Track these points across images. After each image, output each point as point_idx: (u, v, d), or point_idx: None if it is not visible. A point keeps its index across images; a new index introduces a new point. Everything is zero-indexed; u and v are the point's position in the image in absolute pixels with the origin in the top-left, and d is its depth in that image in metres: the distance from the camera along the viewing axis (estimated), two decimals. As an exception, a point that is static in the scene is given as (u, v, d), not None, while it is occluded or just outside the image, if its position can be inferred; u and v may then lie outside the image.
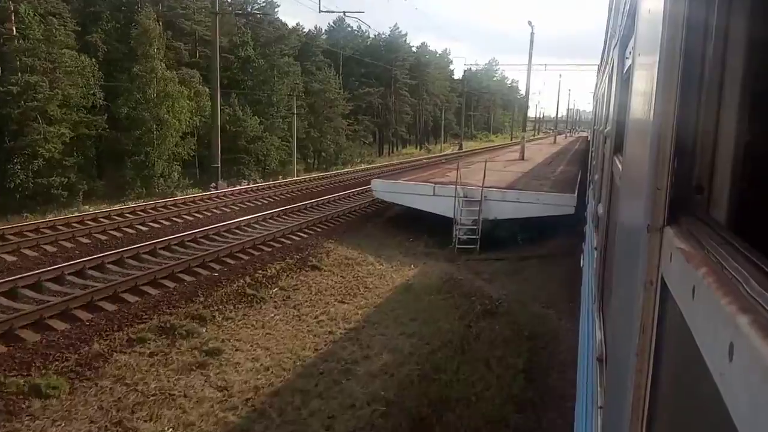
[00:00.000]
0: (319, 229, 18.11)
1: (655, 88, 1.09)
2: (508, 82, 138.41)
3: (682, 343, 0.81)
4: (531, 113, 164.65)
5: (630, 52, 2.23)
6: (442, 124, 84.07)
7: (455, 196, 16.83)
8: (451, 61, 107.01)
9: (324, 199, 23.35)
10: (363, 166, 48.88)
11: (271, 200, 23.42)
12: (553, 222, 16.31)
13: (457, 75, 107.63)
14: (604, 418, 1.93)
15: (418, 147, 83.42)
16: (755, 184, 0.84)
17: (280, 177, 39.60)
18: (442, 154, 63.05)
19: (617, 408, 1.33)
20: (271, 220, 18.56)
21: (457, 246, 16.32)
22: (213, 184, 27.57)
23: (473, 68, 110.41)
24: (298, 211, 20.48)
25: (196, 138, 43.76)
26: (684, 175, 0.94)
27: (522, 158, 30.77)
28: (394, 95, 79.34)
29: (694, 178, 0.93)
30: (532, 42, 30.97)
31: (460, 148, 71.18)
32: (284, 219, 19.06)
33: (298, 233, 17.18)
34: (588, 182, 12.79)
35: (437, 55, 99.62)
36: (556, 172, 25.04)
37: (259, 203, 22.58)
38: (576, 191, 16.97)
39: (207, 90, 42.90)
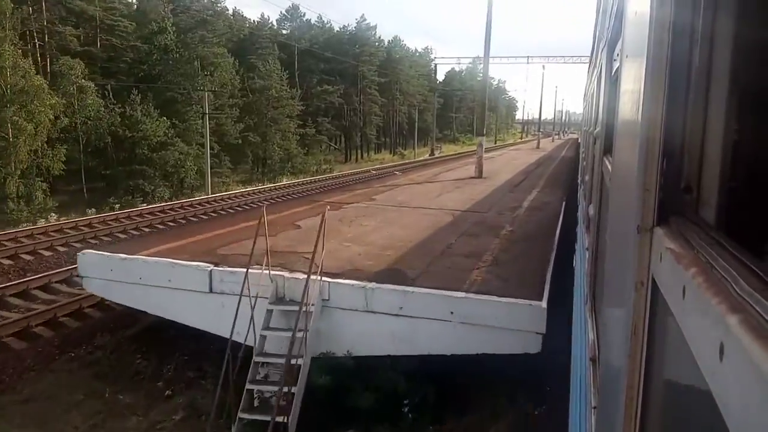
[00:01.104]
0: None
1: (642, 90, 1.09)
2: (495, 81, 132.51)
3: (673, 344, 0.81)
4: (518, 115, 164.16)
5: (618, 54, 2.25)
6: (416, 127, 78.10)
7: (242, 295, 6.96)
8: (433, 60, 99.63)
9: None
10: (288, 180, 37.92)
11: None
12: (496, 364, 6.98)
13: (441, 75, 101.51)
14: (597, 419, 1.93)
15: (392, 152, 76.33)
16: (743, 184, 0.85)
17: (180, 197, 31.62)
18: (416, 160, 55.66)
19: (610, 408, 1.34)
20: None
21: None
22: None
23: (456, 67, 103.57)
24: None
25: (82, 145, 35.70)
26: (673, 175, 0.95)
27: (479, 175, 21.92)
28: (362, 94, 71.12)
29: (683, 178, 0.94)
30: (490, 10, 21.87)
31: (431, 154, 63.31)
32: None
33: None
34: (579, 203, 8.84)
35: (416, 54, 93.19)
36: (522, 208, 14.04)
37: None
38: (548, 285, 7.41)
39: (92, 85, 36.29)
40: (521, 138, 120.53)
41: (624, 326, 1.12)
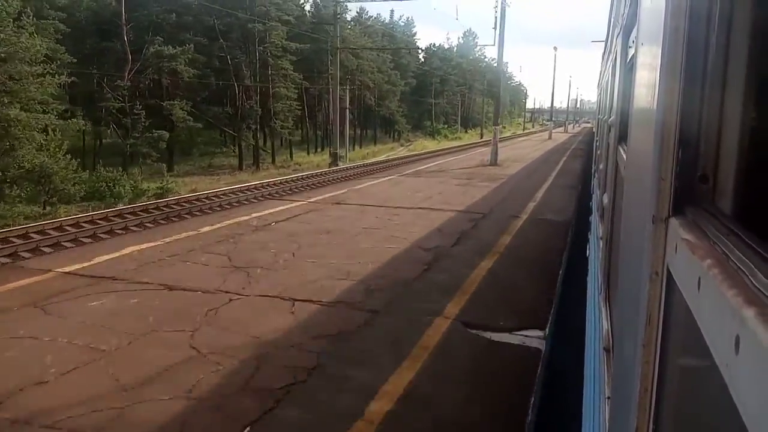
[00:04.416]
0: None
1: (658, 78, 1.08)
2: (495, 63, 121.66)
3: (688, 335, 0.81)
4: (528, 104, 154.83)
5: (633, 41, 2.22)
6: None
7: None
8: (414, 34, 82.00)
9: None
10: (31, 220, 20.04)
11: None
12: None
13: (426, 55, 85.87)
14: (611, 408, 1.93)
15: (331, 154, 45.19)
16: (761, 173, 0.83)
17: None
18: (351, 165, 35.98)
19: (624, 398, 1.33)
20: None
21: None
22: None
23: (445, 44, 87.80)
24: None
25: None
26: (688, 165, 0.94)
27: None
28: (267, 68, 47.56)
29: (699, 167, 0.93)
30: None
31: (334, 162, 37.01)
32: None
33: None
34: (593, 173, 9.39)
35: (371, 18, 71.29)
36: None
37: None
38: None
39: None
40: (523, 129, 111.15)
41: (638, 317, 1.12)
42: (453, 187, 18.65)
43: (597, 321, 3.54)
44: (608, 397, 2.11)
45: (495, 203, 15.34)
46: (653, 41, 1.21)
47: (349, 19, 60.51)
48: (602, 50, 12.60)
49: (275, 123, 48.35)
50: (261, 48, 46.95)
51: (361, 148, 62.53)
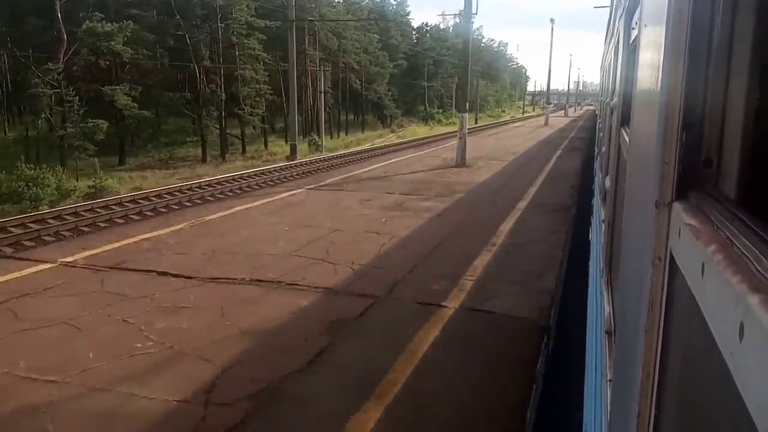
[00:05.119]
0: None
1: (662, 60, 1.06)
2: (494, 45, 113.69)
3: (691, 321, 0.80)
4: (530, 87, 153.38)
5: (636, 23, 2.20)
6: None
7: None
8: (407, 14, 77.65)
9: None
10: None
11: None
12: None
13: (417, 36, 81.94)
14: (612, 391, 1.93)
15: (309, 141, 42.11)
16: (766, 157, 0.82)
17: None
18: (305, 161, 29.98)
19: (626, 382, 1.33)
20: None
21: None
22: None
23: (441, 24, 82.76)
24: None
25: None
26: (692, 148, 0.93)
27: None
28: (226, 47, 41.89)
29: (703, 151, 0.92)
30: None
31: (294, 152, 32.64)
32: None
33: None
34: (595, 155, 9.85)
35: None
36: None
37: None
38: None
39: None
40: (523, 113, 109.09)
41: (641, 301, 1.11)
42: (372, 213, 11.37)
43: (599, 303, 3.55)
44: (610, 380, 2.12)
45: (418, 257, 8.15)
46: (657, 22, 1.19)
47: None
48: (605, 30, 12.49)
49: (243, 109, 42.32)
50: (223, 25, 41.39)
51: (347, 135, 57.17)
